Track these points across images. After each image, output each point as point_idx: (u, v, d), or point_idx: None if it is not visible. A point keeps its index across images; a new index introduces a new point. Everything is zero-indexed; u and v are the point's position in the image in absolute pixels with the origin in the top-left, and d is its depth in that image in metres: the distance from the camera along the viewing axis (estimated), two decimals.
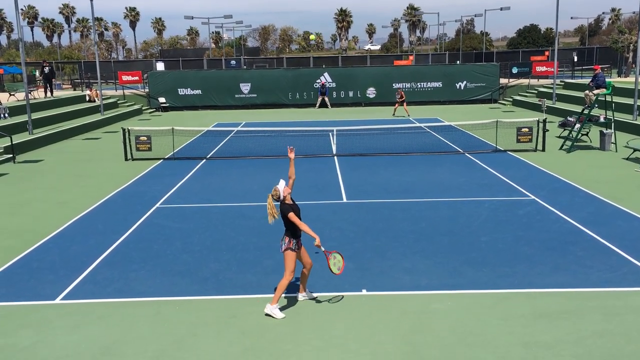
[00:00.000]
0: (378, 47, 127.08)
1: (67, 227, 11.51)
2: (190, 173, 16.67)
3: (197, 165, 17.93)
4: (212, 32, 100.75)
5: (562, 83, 35.42)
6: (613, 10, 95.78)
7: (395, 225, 11.19)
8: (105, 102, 32.45)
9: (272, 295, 7.77)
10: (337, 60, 64.02)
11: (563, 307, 7.51)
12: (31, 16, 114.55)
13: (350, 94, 37.97)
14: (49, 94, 31.59)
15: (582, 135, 20.11)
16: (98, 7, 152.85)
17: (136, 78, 38.69)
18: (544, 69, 37.86)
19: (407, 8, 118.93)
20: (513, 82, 38.95)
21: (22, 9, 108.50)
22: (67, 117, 27.91)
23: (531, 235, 10.35)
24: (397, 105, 31.29)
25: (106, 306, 7.83)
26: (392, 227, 11.03)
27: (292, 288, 8.02)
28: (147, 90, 38.62)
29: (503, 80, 38.89)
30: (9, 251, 10.10)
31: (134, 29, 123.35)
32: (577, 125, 19.99)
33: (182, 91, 37.79)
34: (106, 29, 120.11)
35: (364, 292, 8.09)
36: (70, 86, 45.61)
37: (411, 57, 62.27)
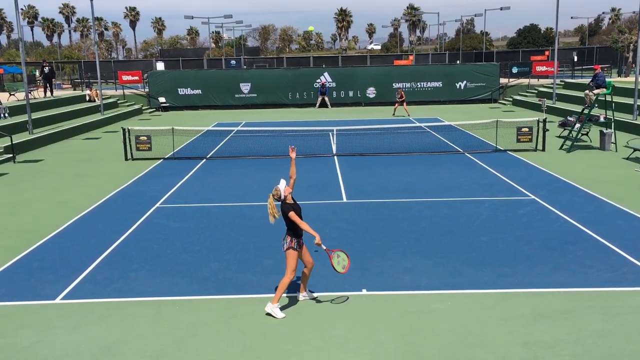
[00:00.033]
0: (379, 46, 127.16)
1: (67, 227, 11.52)
2: (190, 173, 16.67)
3: (197, 165, 17.93)
4: (212, 32, 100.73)
5: (562, 83, 35.42)
6: (613, 10, 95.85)
7: (395, 225, 11.19)
8: (105, 101, 32.45)
9: (272, 295, 7.77)
10: (337, 60, 64.02)
11: (563, 306, 7.51)
12: (31, 16, 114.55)
13: (350, 93, 37.97)
14: (48, 93, 31.59)
15: (582, 135, 20.11)
16: (98, 6, 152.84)
17: (136, 78, 38.68)
18: (544, 68, 37.85)
19: (407, 8, 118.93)
20: (513, 81, 38.95)
21: (22, 9, 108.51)
22: (67, 117, 27.91)
23: (531, 235, 10.35)
24: (397, 105, 31.29)
25: (106, 306, 7.83)
26: (392, 227, 11.03)
27: (293, 288, 8.02)
28: (147, 90, 38.62)
29: (503, 80, 38.89)
30: (9, 251, 10.10)
31: (134, 29, 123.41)
32: (577, 125, 19.99)
33: (182, 91, 37.79)
34: (106, 29, 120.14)
35: (364, 292, 8.10)
36: (70, 86, 45.61)
37: (411, 57, 62.28)
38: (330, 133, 23.65)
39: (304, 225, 7.27)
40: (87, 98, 33.74)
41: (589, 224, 10.88)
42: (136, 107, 35.80)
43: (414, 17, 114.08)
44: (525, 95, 36.57)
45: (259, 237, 10.56)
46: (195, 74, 38.90)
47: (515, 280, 8.38)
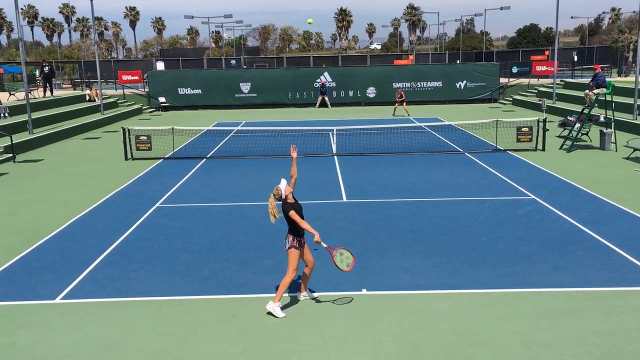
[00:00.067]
0: (379, 46, 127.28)
1: (67, 227, 11.52)
2: (190, 172, 16.67)
3: (197, 164, 17.93)
4: (212, 32, 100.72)
5: (562, 82, 35.42)
6: (613, 9, 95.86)
7: (395, 224, 11.19)
8: (105, 101, 32.44)
9: (272, 295, 7.78)
10: (337, 60, 64.01)
11: (563, 306, 7.51)
12: (31, 16, 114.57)
13: (350, 93, 37.97)
14: (48, 93, 31.59)
15: (582, 134, 20.11)
16: (98, 6, 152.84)
17: (136, 78, 38.68)
18: (544, 68, 37.83)
19: (407, 7, 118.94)
20: (513, 81, 38.94)
21: (22, 9, 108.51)
22: (67, 116, 27.91)
23: (531, 235, 10.35)
24: (396, 105, 31.29)
25: (106, 306, 7.83)
26: (392, 227, 11.03)
27: (293, 288, 8.02)
28: (147, 89, 38.62)
29: (503, 80, 38.88)
30: (9, 251, 10.10)
31: (133, 29, 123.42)
32: (577, 125, 19.99)
33: (182, 91, 37.79)
34: (106, 29, 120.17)
35: (364, 291, 8.09)
36: (70, 86, 45.62)
37: (411, 57, 62.26)
38: (330, 133, 23.65)
39: (303, 224, 7.28)
40: (87, 98, 33.73)
41: (589, 224, 10.88)
42: (136, 106, 35.80)
43: (414, 17, 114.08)
44: (525, 95, 36.57)
45: (259, 236, 10.56)
46: (195, 73, 38.90)
47: (515, 280, 8.38)
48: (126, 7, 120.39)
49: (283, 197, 7.38)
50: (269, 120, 30.55)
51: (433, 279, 8.50)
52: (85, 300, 8.01)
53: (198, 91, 37.82)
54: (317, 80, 37.79)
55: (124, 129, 19.16)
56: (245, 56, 69.10)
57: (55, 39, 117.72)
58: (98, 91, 31.96)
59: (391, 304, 7.69)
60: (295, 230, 7.39)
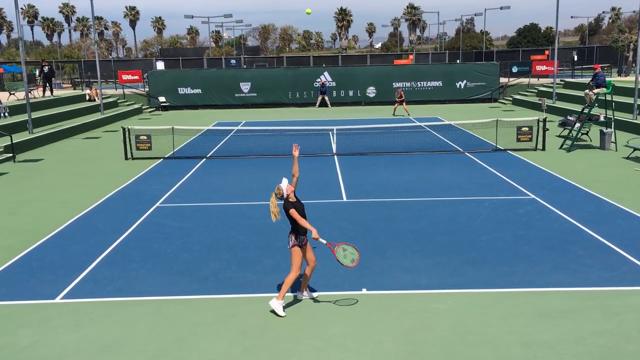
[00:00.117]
0: (379, 46, 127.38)
1: (67, 227, 11.52)
2: (190, 172, 16.67)
3: (197, 164, 17.93)
4: (212, 31, 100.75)
5: (562, 82, 35.42)
6: (613, 9, 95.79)
7: (395, 224, 11.19)
8: (105, 101, 32.44)
9: (272, 294, 7.79)
10: (337, 60, 64.00)
11: (563, 306, 7.51)
12: (31, 15, 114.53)
13: (350, 93, 37.97)
14: (47, 93, 31.59)
15: (582, 134, 20.11)
16: (98, 6, 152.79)
17: (136, 77, 38.69)
18: (544, 68, 37.84)
19: (407, 7, 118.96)
20: (513, 81, 38.94)
21: (22, 8, 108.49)
22: (67, 116, 27.91)
23: (531, 235, 10.35)
24: (396, 104, 31.29)
25: (106, 305, 7.83)
26: (392, 226, 11.03)
27: (293, 287, 8.02)
28: (147, 89, 38.62)
29: (503, 80, 38.88)
30: (9, 250, 10.10)
31: (133, 28, 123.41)
32: (577, 125, 19.99)
33: (182, 90, 37.79)
34: (106, 28, 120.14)
35: (364, 291, 8.09)
36: (70, 85, 45.62)
37: (411, 56, 62.27)
38: (330, 132, 23.65)
39: (302, 222, 7.29)
40: (87, 97, 33.73)
41: (589, 224, 10.88)
42: (136, 106, 35.80)
43: (414, 17, 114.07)
44: (525, 95, 36.57)
45: (259, 236, 10.56)
46: (195, 73, 38.89)
47: (515, 280, 8.38)
48: (126, 7, 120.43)
49: (285, 196, 7.39)
50: (269, 119, 30.55)
51: (433, 278, 8.50)
52: (85, 300, 8.01)
53: (198, 91, 37.83)
54: (317, 80, 37.79)
55: (124, 129, 19.16)
56: (245, 56, 69.09)
57: (55, 38, 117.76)
58: (98, 91, 31.97)
59: (391, 303, 7.69)
60: (298, 229, 7.41)
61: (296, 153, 7.72)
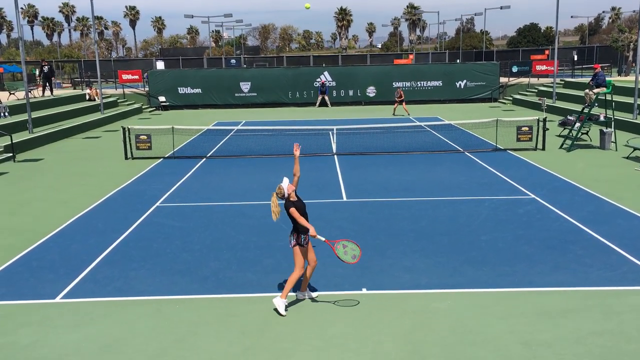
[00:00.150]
0: (379, 45, 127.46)
1: (67, 226, 11.52)
2: (190, 172, 16.67)
3: (197, 164, 17.93)
4: (212, 31, 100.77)
5: (562, 82, 35.42)
6: (613, 9, 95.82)
7: (395, 224, 11.19)
8: (105, 101, 32.44)
9: (272, 294, 7.80)
10: (337, 59, 64.04)
11: (563, 305, 7.51)
12: (31, 15, 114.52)
13: (350, 92, 37.97)
14: (47, 92, 31.59)
15: (582, 134, 20.11)
16: (98, 6, 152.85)
17: (136, 77, 38.69)
18: (544, 67, 37.85)
19: (407, 7, 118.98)
20: (513, 81, 38.94)
21: (22, 8, 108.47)
22: (67, 116, 27.91)
23: (531, 234, 10.35)
24: (396, 104, 31.29)
25: (106, 305, 7.83)
26: (392, 226, 11.03)
27: (294, 287, 8.01)
28: (147, 89, 38.62)
29: (503, 79, 38.88)
30: (9, 250, 10.10)
31: (133, 28, 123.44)
32: (577, 124, 19.99)
33: (182, 90, 37.79)
34: (106, 28, 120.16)
35: (364, 291, 8.09)
36: (70, 85, 45.60)
37: (411, 56, 62.29)
38: (330, 132, 23.65)
39: (301, 220, 7.30)
40: (87, 97, 33.73)
41: (589, 223, 10.88)
42: (136, 106, 35.80)
43: (414, 16, 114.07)
44: (525, 95, 36.57)
45: (259, 236, 10.56)
46: (195, 73, 38.89)
47: (515, 280, 8.38)
48: (126, 7, 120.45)
49: (286, 195, 7.40)
50: (269, 119, 30.55)
51: (433, 278, 8.50)
52: (86, 300, 8.01)
53: (198, 90, 37.82)
54: (317, 80, 37.79)
55: (124, 128, 19.16)
56: (245, 55, 69.10)
57: (55, 38, 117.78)
58: (98, 90, 31.96)
59: (391, 303, 7.69)
60: (299, 229, 7.42)
61: (297, 152, 7.73)
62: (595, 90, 21.13)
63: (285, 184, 7.41)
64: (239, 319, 7.34)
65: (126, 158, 18.86)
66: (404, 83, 37.32)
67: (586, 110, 19.86)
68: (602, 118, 21.00)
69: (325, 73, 38.19)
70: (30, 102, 23.35)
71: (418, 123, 24.86)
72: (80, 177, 16.34)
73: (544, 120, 19.34)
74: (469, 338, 6.73)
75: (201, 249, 9.95)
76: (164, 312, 7.60)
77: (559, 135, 21.30)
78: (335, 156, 18.79)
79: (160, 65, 52.02)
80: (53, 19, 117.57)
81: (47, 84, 31.67)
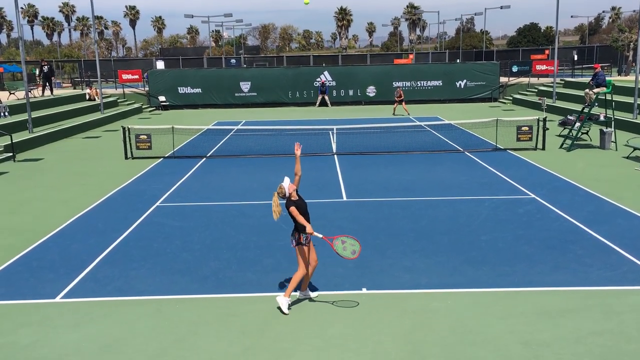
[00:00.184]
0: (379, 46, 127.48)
1: (67, 226, 11.52)
2: (190, 172, 16.67)
3: (197, 163, 17.93)
4: (212, 31, 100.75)
5: (562, 82, 35.41)
6: (613, 8, 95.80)
7: (395, 223, 11.19)
8: (105, 100, 32.44)
9: (272, 294, 7.81)
10: (337, 59, 64.04)
11: (563, 305, 7.51)
12: (31, 15, 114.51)
13: (350, 92, 37.97)
14: (47, 92, 31.59)
15: (582, 134, 20.10)
16: (98, 5, 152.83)
17: (136, 77, 38.69)
18: (544, 67, 37.84)
19: (407, 6, 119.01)
20: (513, 80, 38.94)
21: (22, 8, 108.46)
22: (67, 115, 27.91)
23: (531, 234, 10.35)
24: (396, 104, 31.29)
25: (106, 304, 7.83)
26: (392, 226, 11.03)
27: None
28: (147, 88, 38.62)
29: (503, 79, 38.88)
30: (9, 250, 10.10)
31: (133, 28, 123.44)
32: (577, 124, 19.99)
33: (182, 90, 37.79)
34: (106, 28, 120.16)
35: (364, 290, 8.10)
36: (70, 85, 45.61)
37: (411, 56, 62.30)
38: (330, 132, 23.65)
39: (299, 218, 7.32)
40: (87, 97, 33.73)
41: (589, 223, 10.88)
42: (136, 105, 35.80)
43: (414, 16, 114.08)
44: (525, 94, 36.56)
45: (259, 235, 10.56)
46: (195, 72, 38.89)
47: (515, 279, 8.38)
48: (126, 6, 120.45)
49: (287, 195, 7.41)
50: (269, 119, 30.55)
51: (433, 278, 8.50)
52: (86, 300, 8.01)
53: (198, 90, 37.82)
54: (317, 80, 37.79)
55: (124, 128, 19.16)
56: (245, 55, 69.10)
57: (55, 38, 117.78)
58: (98, 90, 31.96)
59: (391, 303, 7.69)
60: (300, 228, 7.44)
61: (298, 152, 7.74)
62: (595, 90, 21.13)
63: (286, 183, 7.42)
64: (239, 319, 7.34)
65: (126, 158, 18.85)
66: (404, 83, 37.31)
67: (586, 110, 19.86)
68: (602, 118, 21.00)
69: (325, 73, 38.19)
70: (30, 101, 23.35)
71: (418, 123, 24.87)
72: (80, 176, 16.34)
73: (544, 120, 19.34)
74: (469, 338, 6.73)
75: (201, 249, 9.95)
76: (164, 311, 7.60)
77: (559, 135, 21.30)
78: (335, 156, 18.79)
79: (160, 65, 52.04)
80: (53, 18, 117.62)
81: (47, 84, 31.67)
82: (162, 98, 37.50)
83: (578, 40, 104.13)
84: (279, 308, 7.44)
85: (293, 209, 7.33)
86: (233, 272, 8.90)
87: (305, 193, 13.05)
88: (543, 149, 18.91)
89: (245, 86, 37.82)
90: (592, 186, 13.76)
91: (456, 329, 6.95)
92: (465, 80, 37.49)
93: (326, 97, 36.96)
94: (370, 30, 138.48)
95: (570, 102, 29.85)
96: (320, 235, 7.41)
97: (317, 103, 37.05)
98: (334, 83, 37.87)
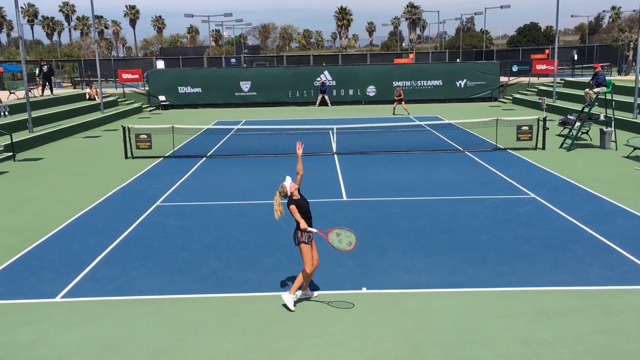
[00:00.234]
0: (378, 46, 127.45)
1: (67, 225, 11.52)
2: (191, 171, 16.68)
3: (197, 163, 17.93)
4: (212, 30, 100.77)
5: (562, 81, 35.41)
6: (613, 8, 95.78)
7: (396, 223, 11.19)
8: (105, 100, 32.44)
9: (272, 293, 7.83)
10: (337, 59, 64.04)
11: (563, 305, 7.52)
12: (31, 14, 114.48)
13: (351, 92, 37.97)
14: (47, 92, 31.59)
15: (582, 133, 20.10)
16: (98, 5, 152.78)
17: (136, 76, 38.69)
18: (544, 67, 37.84)
19: (407, 6, 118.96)
20: (513, 80, 38.94)
21: (22, 7, 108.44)
22: (67, 115, 27.92)
23: (531, 234, 10.36)
24: (395, 103, 31.29)
25: (107, 304, 7.84)
26: (393, 225, 11.04)
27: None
28: (147, 88, 38.62)
29: (503, 79, 38.89)
30: (9, 249, 10.11)
31: (134, 27, 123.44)
32: (577, 124, 19.99)
33: (182, 89, 37.79)
34: (106, 27, 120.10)
35: (364, 290, 8.10)
36: (71, 84, 45.63)
37: (411, 55, 62.30)
38: (330, 131, 23.65)
39: (296, 216, 7.35)
40: (87, 96, 33.73)
41: (589, 223, 10.88)
42: (136, 105, 35.81)
43: (414, 16, 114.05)
44: (525, 94, 36.56)
45: (259, 235, 10.57)
46: (195, 72, 38.89)
47: (515, 279, 8.39)
48: (126, 6, 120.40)
49: (288, 194, 7.43)
50: (269, 118, 30.55)
51: (433, 277, 8.51)
52: (86, 299, 8.02)
53: (198, 90, 37.83)
54: (317, 79, 37.79)
55: (124, 128, 19.17)
56: (245, 55, 69.10)
57: (55, 37, 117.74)
58: (98, 90, 31.97)
59: (391, 302, 7.70)
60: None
61: (300, 151, 7.76)
62: (596, 90, 21.12)
63: (288, 182, 7.44)
64: (239, 318, 7.34)
65: (126, 157, 18.86)
66: (404, 82, 37.32)
67: (586, 110, 19.86)
68: (602, 117, 21.00)
69: (325, 72, 38.19)
70: (30, 101, 23.36)
71: (418, 122, 24.87)
72: (80, 176, 16.34)
73: (544, 119, 19.34)
74: (468, 337, 6.74)
75: (201, 248, 9.96)
76: (164, 311, 7.60)
77: (559, 135, 21.30)
78: (335, 155, 18.79)
79: (160, 64, 52.03)
80: (53, 18, 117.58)
81: (47, 84, 31.67)
82: (162, 98, 37.50)
83: (578, 39, 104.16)
84: (285, 305, 7.45)
85: (293, 207, 7.35)
86: (233, 271, 8.91)
87: (305, 193, 13.02)
88: (543, 148, 18.91)
89: (245, 86, 37.82)
90: (592, 186, 13.77)
91: (456, 328, 6.96)
92: (465, 80, 37.50)
93: (326, 97, 36.97)
94: (370, 29, 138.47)
95: (570, 101, 29.86)
96: (315, 230, 7.41)
97: (317, 103, 37.05)
98: (334, 83, 37.87)
